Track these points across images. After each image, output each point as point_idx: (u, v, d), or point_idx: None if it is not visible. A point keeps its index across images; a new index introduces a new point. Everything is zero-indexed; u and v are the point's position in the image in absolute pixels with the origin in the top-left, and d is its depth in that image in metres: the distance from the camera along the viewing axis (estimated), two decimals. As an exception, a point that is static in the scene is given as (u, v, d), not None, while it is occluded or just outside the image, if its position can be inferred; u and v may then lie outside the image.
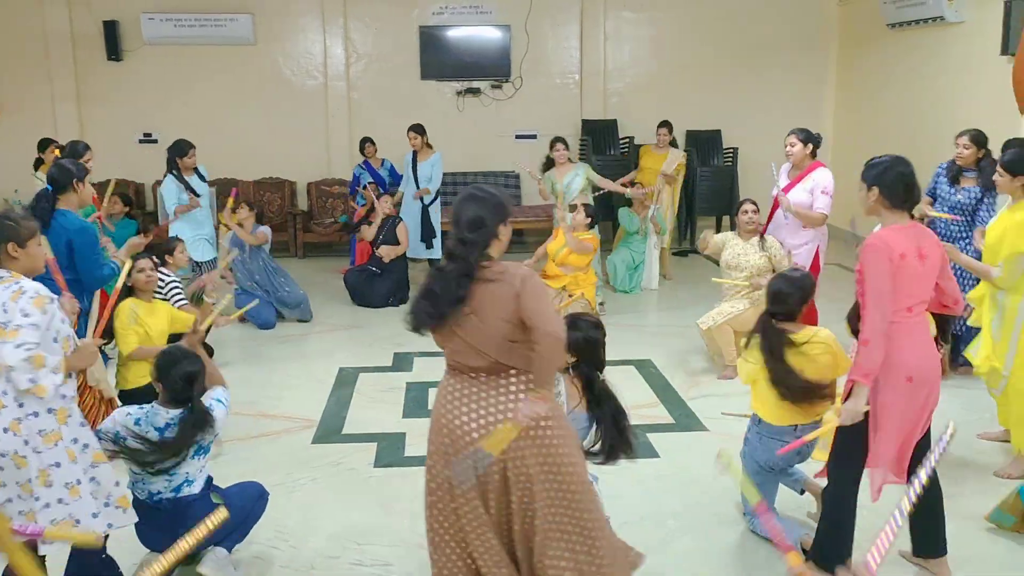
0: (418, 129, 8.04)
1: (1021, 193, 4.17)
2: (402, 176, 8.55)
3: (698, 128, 10.22)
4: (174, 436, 3.14)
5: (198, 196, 6.79)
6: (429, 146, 8.10)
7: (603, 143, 10.10)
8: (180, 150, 6.79)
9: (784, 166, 5.74)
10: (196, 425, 3.16)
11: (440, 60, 10.14)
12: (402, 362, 6.14)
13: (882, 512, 3.45)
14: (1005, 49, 6.99)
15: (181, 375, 3.20)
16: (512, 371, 2.70)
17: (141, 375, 4.29)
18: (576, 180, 7.35)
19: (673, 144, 8.75)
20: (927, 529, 3.31)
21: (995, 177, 4.30)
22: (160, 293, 5.05)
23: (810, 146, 5.53)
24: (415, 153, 8.08)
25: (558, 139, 7.51)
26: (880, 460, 3.13)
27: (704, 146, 10.20)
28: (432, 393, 5.35)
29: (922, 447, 3.17)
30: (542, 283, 2.83)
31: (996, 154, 5.91)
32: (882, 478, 3.15)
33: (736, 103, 10.29)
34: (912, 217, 3.18)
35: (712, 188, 9.85)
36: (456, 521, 2.80)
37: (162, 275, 5.02)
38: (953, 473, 4.24)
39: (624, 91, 10.41)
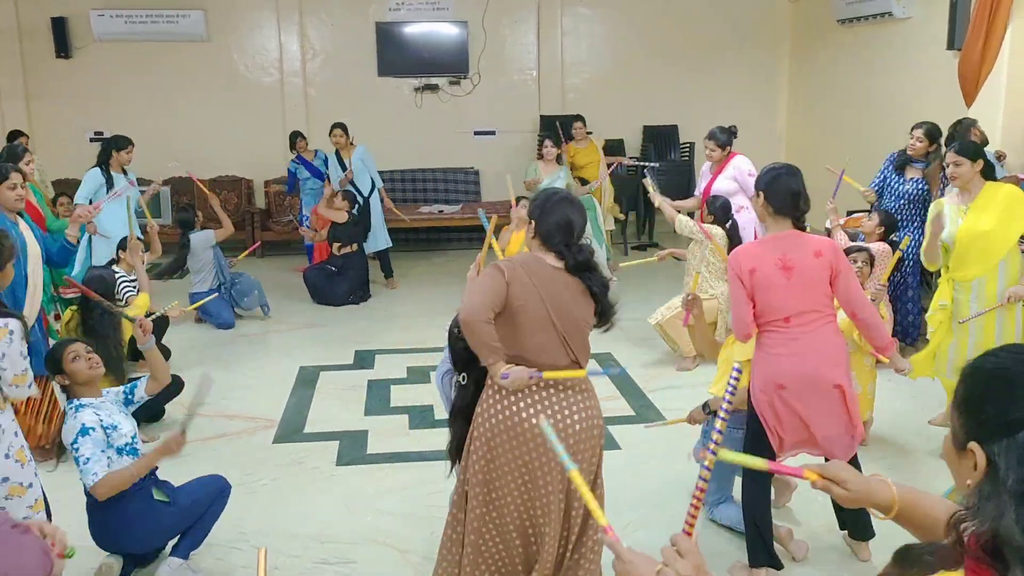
0: (343, 127, 7.99)
1: (977, 187, 4.17)
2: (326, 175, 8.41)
3: (655, 123, 10.33)
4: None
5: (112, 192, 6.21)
6: (352, 143, 8.04)
7: (561, 139, 10.13)
8: (118, 144, 6.45)
9: (704, 165, 6.14)
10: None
11: (397, 56, 10.11)
12: (363, 360, 6.12)
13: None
14: (951, 44, 7.16)
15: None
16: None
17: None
18: (557, 183, 7.40)
19: (589, 133, 8.83)
20: (853, 514, 3.38)
21: (951, 169, 4.20)
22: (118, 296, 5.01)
23: (727, 147, 5.92)
24: (338, 152, 8.00)
25: (547, 136, 7.61)
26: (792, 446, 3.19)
27: (661, 141, 10.31)
28: (394, 390, 5.43)
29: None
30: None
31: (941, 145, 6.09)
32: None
33: (692, 98, 10.41)
34: (801, 228, 3.17)
35: (669, 182, 9.92)
36: (524, 525, 2.82)
37: (114, 271, 4.96)
38: (907, 460, 4.37)
39: (582, 87, 10.47)
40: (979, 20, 6.52)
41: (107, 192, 6.25)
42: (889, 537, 3.48)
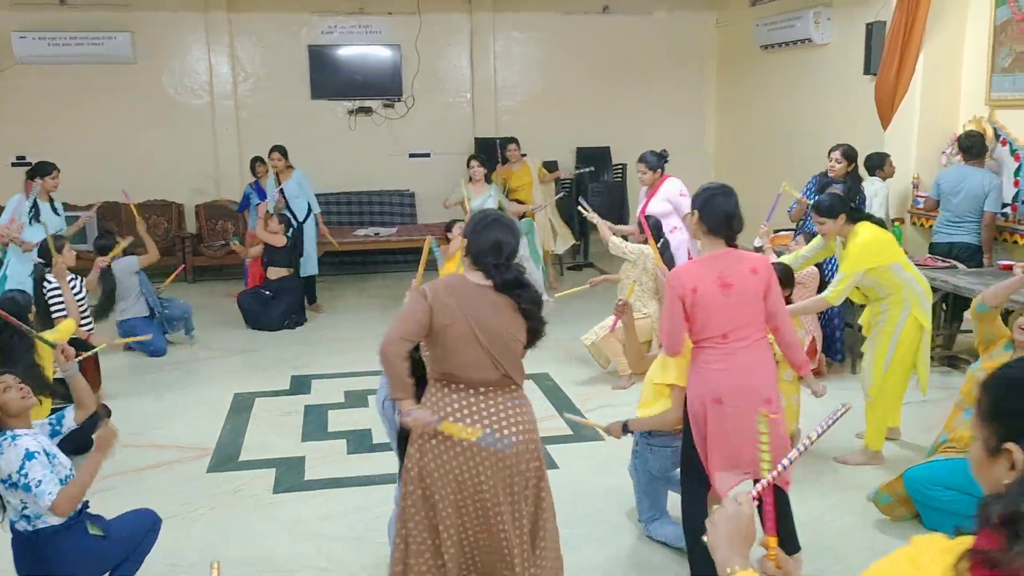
0: (282, 151, 7.92)
1: (847, 231, 4.37)
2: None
3: (588, 145, 10.50)
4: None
5: (39, 223, 5.97)
6: (290, 167, 7.96)
7: (496, 160, 10.21)
8: (42, 170, 6.28)
9: (642, 190, 6.27)
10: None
11: (331, 79, 10.08)
12: (300, 385, 6.06)
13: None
14: (868, 69, 7.49)
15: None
16: (513, 386, 2.92)
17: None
18: (488, 202, 7.44)
19: (523, 155, 8.92)
20: (782, 529, 3.47)
21: (816, 227, 4.47)
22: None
23: (659, 170, 6.09)
24: (277, 175, 7.91)
25: (474, 157, 7.67)
26: (713, 478, 3.23)
27: (594, 162, 10.47)
28: (331, 415, 5.38)
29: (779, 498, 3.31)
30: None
31: (859, 165, 6.37)
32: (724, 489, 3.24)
33: (624, 120, 10.62)
34: (733, 245, 3.26)
35: (603, 203, 10.09)
36: (456, 533, 2.87)
37: (47, 281, 4.85)
38: (831, 467, 4.50)
39: (515, 109, 10.59)
40: (893, 47, 6.84)
41: (30, 222, 6.04)
42: (815, 549, 3.59)
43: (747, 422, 3.12)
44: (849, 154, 6.05)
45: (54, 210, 6.44)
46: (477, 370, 2.79)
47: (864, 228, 4.34)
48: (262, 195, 8.38)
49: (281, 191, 7.83)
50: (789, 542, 3.47)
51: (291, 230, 7.75)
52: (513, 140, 8.79)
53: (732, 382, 3.16)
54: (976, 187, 6.02)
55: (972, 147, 6.17)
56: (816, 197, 6.04)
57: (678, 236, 5.99)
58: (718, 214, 3.17)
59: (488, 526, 2.84)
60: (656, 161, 6.04)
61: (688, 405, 3.25)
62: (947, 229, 6.20)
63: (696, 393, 3.22)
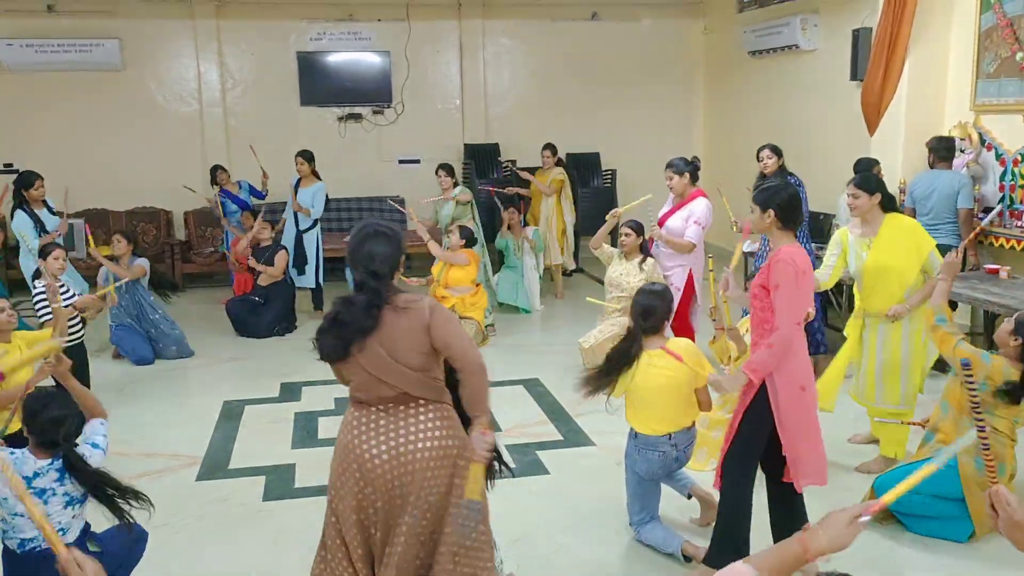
0: (305, 155, 7.90)
1: (878, 220, 4.38)
2: (263, 194, 8.58)
3: (577, 151, 10.52)
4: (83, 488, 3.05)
5: (47, 232, 6.46)
6: (315, 174, 7.96)
7: (486, 166, 10.25)
8: (26, 181, 6.46)
9: (670, 195, 5.96)
10: (75, 475, 3.03)
11: (320, 86, 10.09)
12: (289, 392, 6.04)
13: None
14: (854, 75, 7.53)
15: (49, 420, 3.04)
16: (421, 400, 2.76)
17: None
18: (447, 205, 7.50)
19: (560, 164, 8.95)
20: (793, 529, 3.48)
21: (849, 200, 4.42)
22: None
23: (687, 175, 5.77)
24: (299, 179, 7.96)
25: (441, 167, 7.66)
26: (808, 475, 3.31)
27: (584, 168, 10.50)
28: (322, 422, 5.37)
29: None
30: (449, 311, 2.90)
31: (847, 171, 6.41)
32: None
33: (613, 126, 10.66)
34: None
35: (592, 209, 10.13)
36: (356, 541, 2.82)
37: (33, 286, 4.85)
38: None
39: (505, 115, 10.61)
40: (879, 53, 6.88)
41: (38, 233, 6.39)
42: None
43: (814, 413, 3.33)
44: (777, 150, 6.38)
45: (50, 211, 6.66)
46: (368, 390, 2.76)
47: (904, 216, 4.44)
48: (236, 200, 8.39)
49: (249, 208, 8.06)
50: None
51: (280, 235, 7.80)
52: (548, 146, 8.75)
53: (806, 369, 3.30)
54: (946, 187, 6.09)
55: (939, 149, 6.25)
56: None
57: (679, 258, 5.80)
58: (799, 211, 3.33)
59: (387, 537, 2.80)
60: (683, 166, 5.78)
61: (776, 390, 3.23)
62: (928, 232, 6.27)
63: (788, 379, 3.23)
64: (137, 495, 3.09)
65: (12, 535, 3.07)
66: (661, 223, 5.83)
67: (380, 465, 2.72)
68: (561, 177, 8.78)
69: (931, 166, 6.31)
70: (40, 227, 6.45)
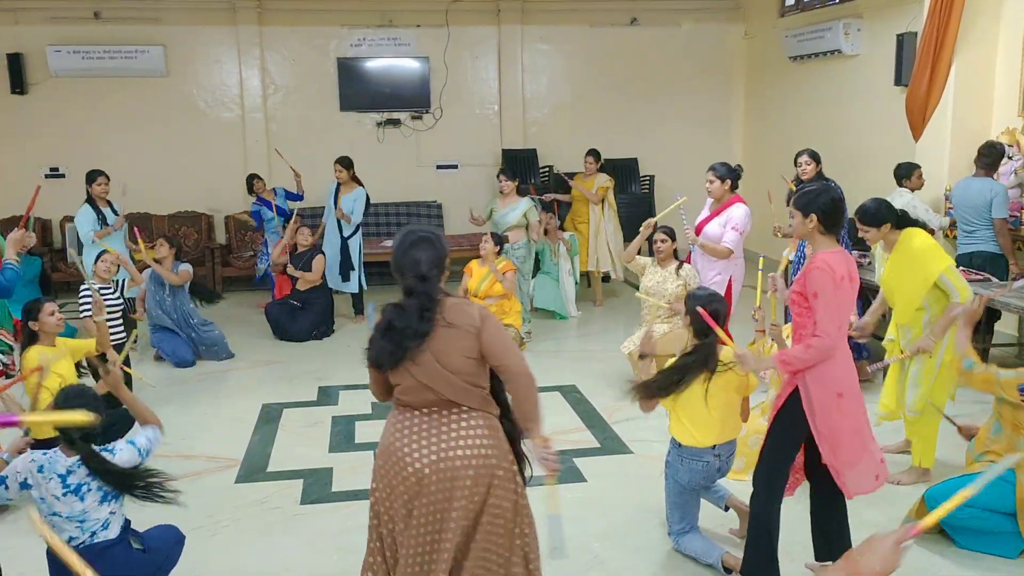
0: (344, 162, 7.95)
1: (893, 239, 4.30)
2: (300, 196, 8.62)
3: (615, 156, 10.46)
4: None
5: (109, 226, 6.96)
6: (356, 180, 8.00)
7: (524, 172, 10.24)
8: (89, 177, 7.04)
9: (708, 201, 5.87)
10: (96, 474, 3.06)
11: (359, 91, 10.16)
12: (327, 396, 6.07)
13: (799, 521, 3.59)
14: (899, 80, 7.40)
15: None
16: (465, 407, 2.74)
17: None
18: (510, 216, 7.45)
19: (603, 170, 8.85)
20: (832, 537, 3.43)
21: (861, 234, 4.38)
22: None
23: (728, 181, 5.68)
24: (339, 185, 8.01)
25: (502, 171, 7.70)
26: (854, 484, 3.24)
27: (621, 174, 10.44)
28: (359, 427, 5.38)
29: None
30: (499, 320, 2.88)
31: (888, 176, 6.29)
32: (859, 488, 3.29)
33: (651, 132, 10.60)
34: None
35: (630, 215, 10.06)
36: (392, 544, 2.80)
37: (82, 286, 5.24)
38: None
39: (543, 121, 10.60)
40: (925, 57, 6.76)
41: (99, 227, 6.91)
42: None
43: (863, 419, 3.27)
44: (815, 156, 6.30)
45: (114, 211, 7.12)
46: (412, 395, 2.73)
47: (918, 233, 4.29)
48: (274, 208, 8.44)
49: (291, 216, 8.12)
50: (836, 551, 3.43)
51: (322, 239, 7.89)
52: (592, 152, 8.63)
53: (846, 375, 3.23)
54: (977, 196, 5.98)
55: (983, 156, 6.11)
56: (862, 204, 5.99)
57: (718, 265, 5.72)
58: (841, 215, 3.30)
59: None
60: (725, 171, 5.69)
61: (809, 396, 3.18)
62: (964, 240, 6.21)
63: (823, 385, 3.17)
64: (162, 485, 3.14)
65: (94, 532, 3.11)
66: (699, 229, 5.76)
67: (421, 468, 2.70)
68: (607, 184, 8.64)
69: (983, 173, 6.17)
70: (102, 223, 6.92)
